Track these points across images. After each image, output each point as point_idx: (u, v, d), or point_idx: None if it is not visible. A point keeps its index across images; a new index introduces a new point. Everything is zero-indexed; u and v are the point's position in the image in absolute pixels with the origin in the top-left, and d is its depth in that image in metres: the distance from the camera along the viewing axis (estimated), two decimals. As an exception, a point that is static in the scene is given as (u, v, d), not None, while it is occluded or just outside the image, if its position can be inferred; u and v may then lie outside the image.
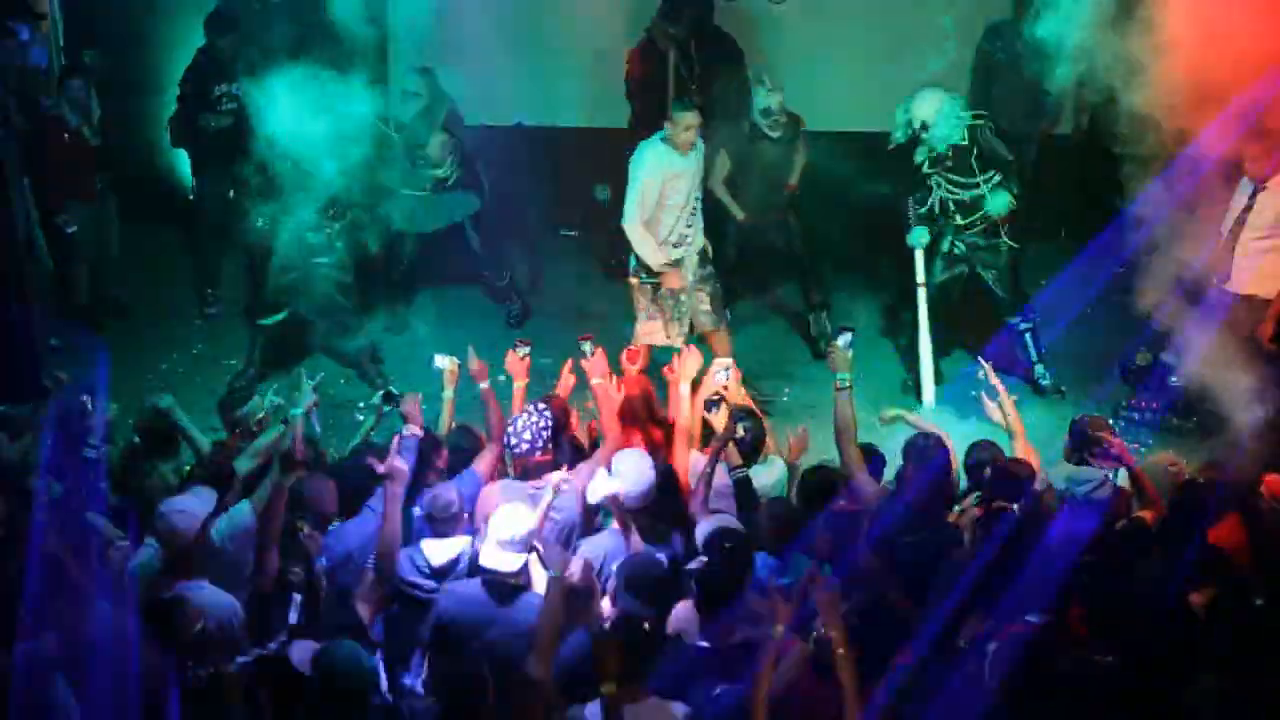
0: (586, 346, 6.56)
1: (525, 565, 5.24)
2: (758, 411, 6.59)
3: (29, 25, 9.33)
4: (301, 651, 4.75)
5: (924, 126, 8.07)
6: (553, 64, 10.30)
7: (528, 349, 6.63)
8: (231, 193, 8.78)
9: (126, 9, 10.22)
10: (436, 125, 9.20)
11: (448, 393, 6.60)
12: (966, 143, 8.17)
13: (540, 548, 5.37)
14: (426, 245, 9.47)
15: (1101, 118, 9.67)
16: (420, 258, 9.55)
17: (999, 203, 8.22)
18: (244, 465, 6.13)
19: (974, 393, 8.47)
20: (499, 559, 5.22)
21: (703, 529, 5.53)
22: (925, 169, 8.26)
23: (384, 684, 5.10)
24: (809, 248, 9.24)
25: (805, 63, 9.60)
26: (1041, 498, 5.80)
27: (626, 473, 5.69)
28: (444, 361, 6.61)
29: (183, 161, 10.04)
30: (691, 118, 7.78)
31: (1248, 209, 7.34)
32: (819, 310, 9.23)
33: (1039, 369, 8.57)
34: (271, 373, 8.49)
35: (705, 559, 5.25)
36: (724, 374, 6.64)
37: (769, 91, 8.75)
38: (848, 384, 6.19)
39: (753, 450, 6.32)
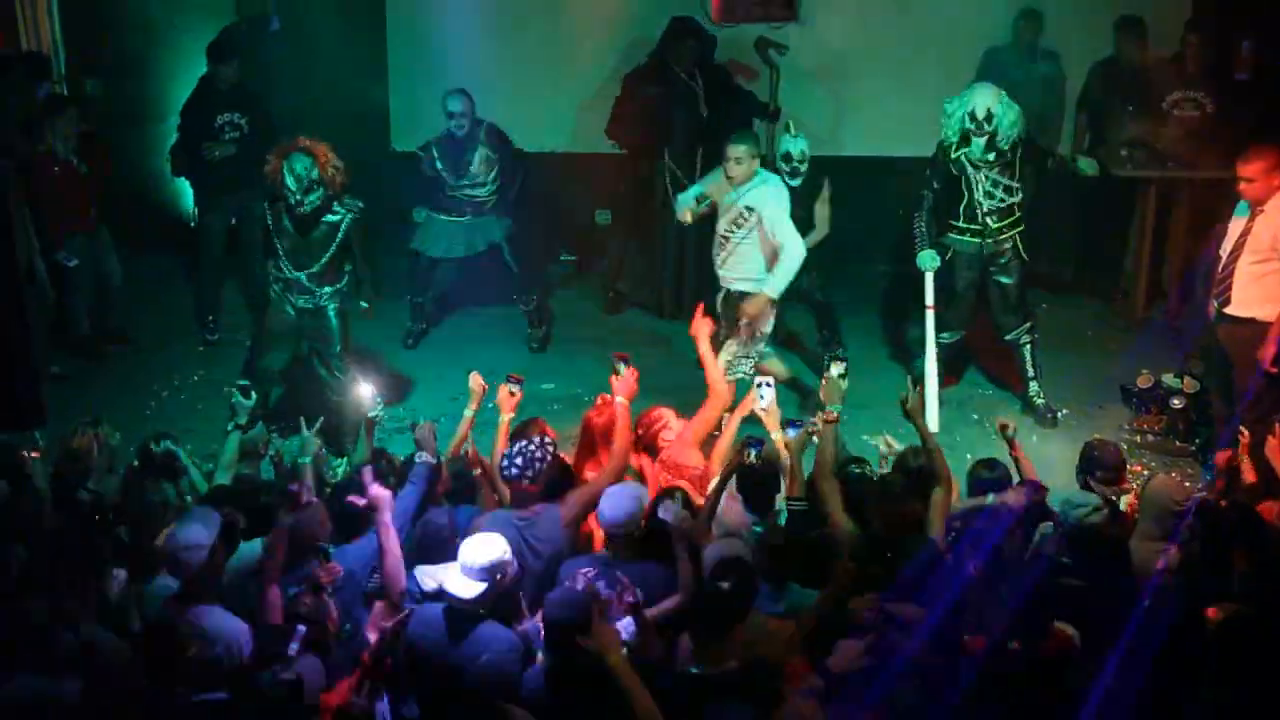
0: (621, 366, 6.46)
1: (485, 593, 5.16)
2: (790, 470, 6.27)
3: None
4: (310, 669, 4.74)
5: (989, 117, 7.92)
6: (554, 92, 10.33)
7: (519, 385, 6.55)
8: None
9: (128, 38, 10.25)
10: (478, 141, 9.16)
11: (469, 411, 6.58)
12: (1018, 143, 8.06)
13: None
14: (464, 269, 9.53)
15: (1103, 141, 9.79)
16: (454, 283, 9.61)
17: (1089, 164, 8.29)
18: (221, 478, 6.19)
19: (974, 416, 8.53)
20: (458, 584, 5.17)
21: (710, 553, 5.45)
22: (968, 168, 8.09)
23: (386, 713, 5.08)
24: (827, 297, 9.09)
25: (805, 88, 9.60)
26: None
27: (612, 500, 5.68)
28: (474, 382, 6.60)
29: (184, 190, 10.07)
30: (733, 148, 7.74)
31: (1246, 232, 7.34)
32: (830, 346, 9.09)
33: (1034, 386, 8.51)
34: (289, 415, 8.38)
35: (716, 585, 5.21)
36: (766, 390, 6.54)
37: (793, 137, 8.62)
38: (835, 415, 6.09)
39: (763, 493, 6.11)
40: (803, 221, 8.46)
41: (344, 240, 7.76)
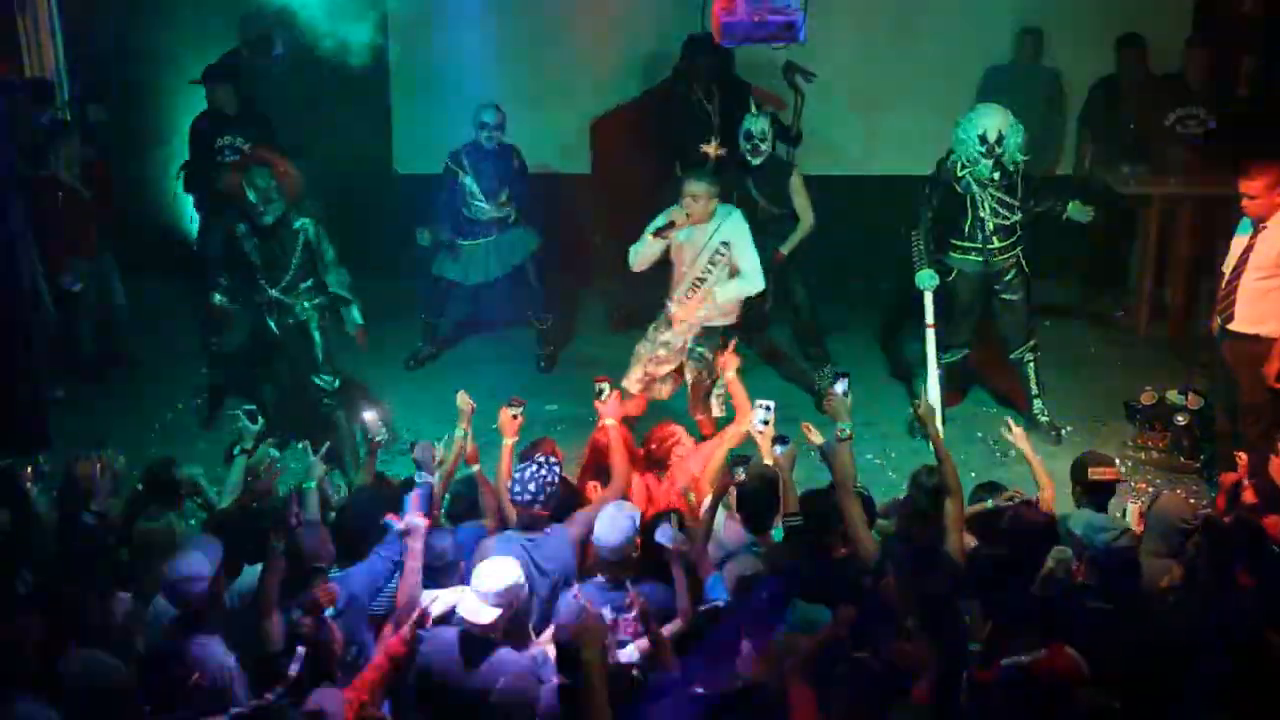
0: (604, 388, 6.59)
1: (499, 618, 5.15)
2: (785, 486, 6.18)
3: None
4: (329, 700, 4.75)
5: (999, 139, 7.88)
6: (562, 112, 10.34)
7: (521, 408, 6.53)
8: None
9: (130, 63, 10.28)
10: (510, 158, 9.10)
11: (459, 430, 6.53)
12: (1023, 163, 8.05)
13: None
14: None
15: (1105, 159, 9.82)
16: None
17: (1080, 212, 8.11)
18: (225, 503, 6.20)
19: (979, 433, 8.52)
20: (474, 610, 5.16)
21: (729, 572, 5.46)
22: (974, 187, 8.05)
23: None
24: (811, 309, 9.02)
25: (806, 107, 9.59)
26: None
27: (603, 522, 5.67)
28: (462, 400, 6.58)
29: (187, 213, 10.10)
30: (690, 184, 7.56)
31: (1249, 248, 7.33)
32: (819, 363, 9.06)
33: (1038, 404, 8.50)
34: (289, 434, 8.48)
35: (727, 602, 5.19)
36: (764, 413, 6.46)
37: (754, 116, 8.59)
38: (849, 433, 6.06)
39: (764, 510, 6.09)
40: (778, 219, 8.58)
41: (309, 246, 7.85)
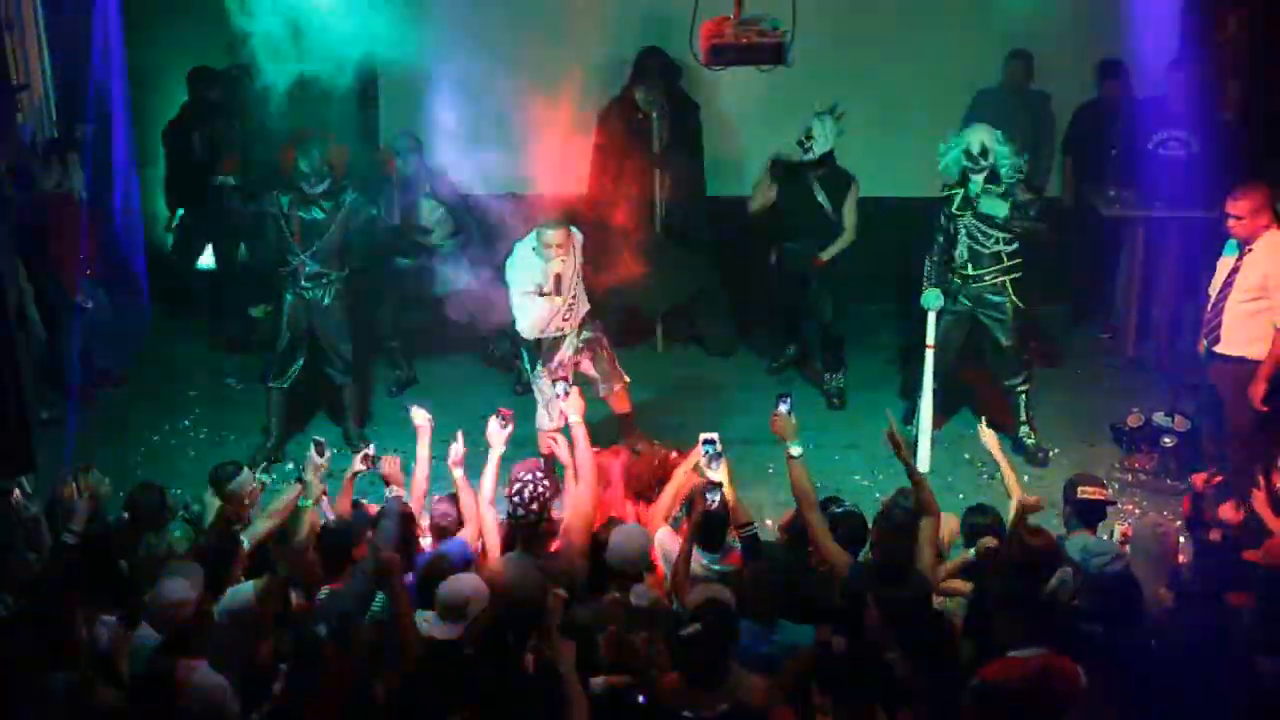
0: (560, 387, 6.74)
1: (464, 630, 5.21)
2: (732, 501, 6.21)
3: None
4: None
5: (984, 153, 7.94)
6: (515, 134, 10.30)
7: (508, 419, 6.55)
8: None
9: (119, 84, 10.26)
10: (423, 191, 9.14)
11: (421, 449, 6.57)
12: (1018, 180, 8.09)
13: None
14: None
15: (1089, 182, 9.84)
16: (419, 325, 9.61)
17: (996, 207, 8.08)
18: (260, 526, 6.18)
19: (965, 455, 8.52)
20: (438, 629, 5.24)
21: (692, 597, 5.48)
22: (959, 211, 8.12)
23: None
24: (839, 316, 9.14)
25: (794, 130, 9.60)
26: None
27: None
28: (418, 416, 6.58)
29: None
30: (550, 235, 7.47)
31: (1235, 271, 7.36)
32: (834, 370, 9.23)
33: (1023, 429, 8.51)
34: (290, 437, 8.59)
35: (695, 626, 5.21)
36: (708, 446, 6.36)
37: (817, 115, 8.71)
38: (799, 452, 6.06)
39: (719, 529, 6.10)
40: (833, 221, 8.77)
41: (346, 220, 8.30)
